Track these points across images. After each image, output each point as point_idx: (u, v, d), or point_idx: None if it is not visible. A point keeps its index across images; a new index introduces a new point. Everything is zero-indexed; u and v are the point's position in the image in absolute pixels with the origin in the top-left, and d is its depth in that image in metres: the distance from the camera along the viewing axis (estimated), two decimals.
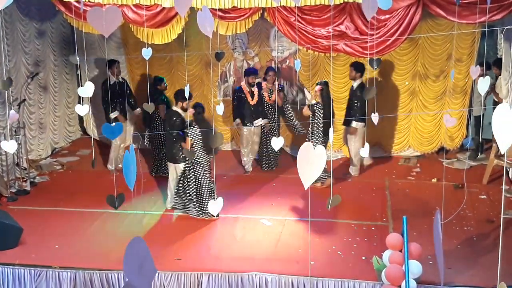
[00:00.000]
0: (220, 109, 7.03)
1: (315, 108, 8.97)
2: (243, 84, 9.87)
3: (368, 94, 6.85)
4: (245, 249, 7.50)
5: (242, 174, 10.00)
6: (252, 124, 9.81)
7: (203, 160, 8.12)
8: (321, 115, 8.94)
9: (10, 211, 8.17)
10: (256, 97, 9.76)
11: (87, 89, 5.60)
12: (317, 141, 8.91)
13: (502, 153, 3.06)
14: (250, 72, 9.90)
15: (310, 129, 9.08)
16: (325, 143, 8.94)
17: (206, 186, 8.14)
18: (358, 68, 9.39)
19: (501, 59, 9.42)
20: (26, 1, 9.50)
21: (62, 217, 8.44)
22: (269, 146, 9.57)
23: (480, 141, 10.05)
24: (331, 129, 6.20)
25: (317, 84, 9.11)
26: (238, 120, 9.87)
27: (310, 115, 8.96)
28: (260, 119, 9.87)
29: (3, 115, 9.35)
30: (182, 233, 7.94)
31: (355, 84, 9.48)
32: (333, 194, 4.86)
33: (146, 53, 6.75)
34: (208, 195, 8.12)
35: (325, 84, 9.11)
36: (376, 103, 6.79)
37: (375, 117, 6.65)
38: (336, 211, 7.99)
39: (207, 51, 10.16)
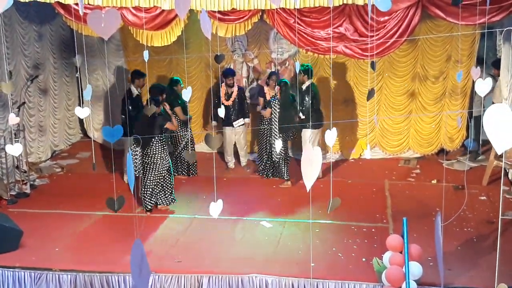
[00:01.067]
0: (221, 111, 7.07)
1: (272, 104, 9.28)
2: (223, 84, 9.95)
3: (369, 96, 6.90)
4: (245, 251, 7.50)
5: (243, 177, 10.01)
6: (232, 125, 10.00)
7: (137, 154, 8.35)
8: (277, 110, 9.26)
9: (10, 213, 8.17)
10: (232, 98, 9.86)
11: (90, 92, 5.64)
12: (275, 137, 9.22)
13: (499, 154, 3.04)
14: (225, 73, 10.03)
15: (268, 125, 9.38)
16: (284, 139, 9.24)
17: (142, 180, 8.36)
18: (305, 70, 9.28)
19: (499, 60, 9.40)
20: (26, 4, 9.49)
21: (62, 219, 8.44)
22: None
23: (479, 142, 10.05)
24: (331, 131, 6.18)
25: (277, 84, 9.42)
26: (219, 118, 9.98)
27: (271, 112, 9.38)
28: (241, 119, 10.02)
29: (3, 118, 9.36)
30: (181, 235, 7.95)
31: (304, 86, 9.29)
32: (333, 196, 4.85)
33: (145, 55, 6.75)
34: (144, 190, 8.35)
35: (285, 83, 9.29)
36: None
37: (375, 119, 6.66)
38: (336, 213, 7.98)
39: (207, 53, 10.17)
